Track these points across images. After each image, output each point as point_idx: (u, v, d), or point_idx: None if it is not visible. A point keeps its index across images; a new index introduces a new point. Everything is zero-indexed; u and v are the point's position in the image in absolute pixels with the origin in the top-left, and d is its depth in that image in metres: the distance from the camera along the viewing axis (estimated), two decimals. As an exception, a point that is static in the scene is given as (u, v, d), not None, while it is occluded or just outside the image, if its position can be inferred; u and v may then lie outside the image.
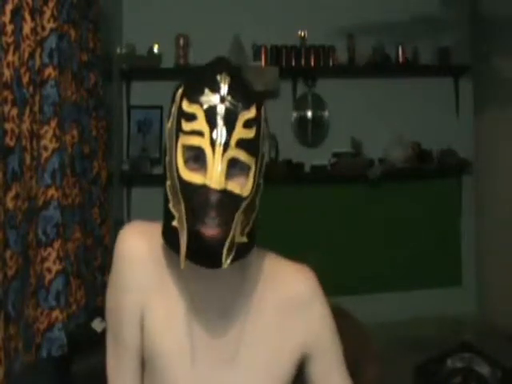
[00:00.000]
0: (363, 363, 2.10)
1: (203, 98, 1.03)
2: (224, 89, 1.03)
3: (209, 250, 1.02)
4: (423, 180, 4.76)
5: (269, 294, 1.16)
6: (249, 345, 1.13)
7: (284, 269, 1.20)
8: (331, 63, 4.57)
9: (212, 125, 1.01)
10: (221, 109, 1.02)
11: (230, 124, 1.02)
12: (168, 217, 1.07)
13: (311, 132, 4.67)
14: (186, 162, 1.04)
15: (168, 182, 1.07)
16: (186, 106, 1.04)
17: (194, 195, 1.01)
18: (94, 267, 2.99)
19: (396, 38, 4.64)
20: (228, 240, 1.01)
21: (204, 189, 1.00)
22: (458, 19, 4.80)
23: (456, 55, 4.76)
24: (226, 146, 1.01)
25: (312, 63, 4.56)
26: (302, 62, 4.55)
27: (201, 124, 1.02)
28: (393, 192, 4.71)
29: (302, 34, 4.57)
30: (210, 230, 1.00)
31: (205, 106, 1.02)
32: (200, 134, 1.02)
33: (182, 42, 4.38)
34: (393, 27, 4.58)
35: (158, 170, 4.34)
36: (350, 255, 4.61)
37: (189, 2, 4.47)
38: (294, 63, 4.55)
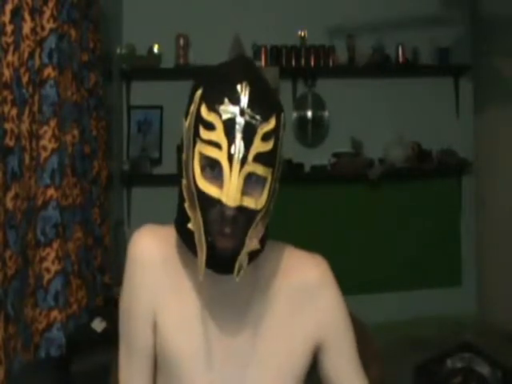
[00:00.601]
0: (363, 363, 2.10)
1: (222, 108, 1.01)
2: (244, 100, 1.01)
3: (222, 261, 1.04)
4: (423, 180, 4.76)
5: (282, 285, 1.17)
6: (263, 342, 1.14)
7: (296, 258, 1.20)
8: (331, 63, 4.57)
9: (230, 138, 1.01)
10: (240, 122, 1.01)
11: (248, 138, 1.01)
12: (183, 216, 1.08)
13: (311, 132, 4.67)
14: (202, 169, 1.04)
15: (184, 182, 1.07)
16: (205, 114, 1.03)
17: (210, 208, 1.02)
18: (94, 267, 2.99)
19: (396, 38, 4.64)
20: (242, 252, 1.03)
21: (220, 203, 1.01)
22: (458, 19, 4.79)
23: (456, 55, 4.75)
24: (244, 161, 1.01)
25: (312, 63, 4.55)
26: (302, 62, 4.55)
27: (219, 136, 1.01)
28: (393, 192, 4.71)
29: (302, 34, 4.56)
30: (225, 242, 1.02)
31: (224, 117, 1.01)
32: (218, 146, 1.01)
33: (182, 41, 4.38)
34: (393, 27, 4.58)
35: (157, 170, 4.35)
36: (350, 255, 4.61)
37: (189, 1, 4.47)
38: (294, 63, 4.55)
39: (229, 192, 1.00)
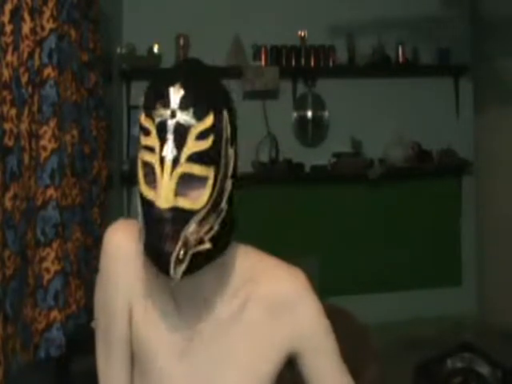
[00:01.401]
0: (363, 363, 2.10)
1: (155, 113, 1.02)
2: (175, 102, 1.01)
3: (161, 261, 1.03)
4: (423, 180, 4.76)
5: (255, 293, 1.16)
6: (233, 342, 1.14)
7: (271, 268, 1.19)
8: (331, 63, 4.57)
9: (162, 141, 1.02)
10: (171, 124, 1.01)
11: (180, 139, 1.01)
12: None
13: (311, 132, 4.67)
14: (145, 175, 1.08)
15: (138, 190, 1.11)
16: (143, 120, 1.05)
17: (148, 210, 1.04)
18: (93, 267, 2.99)
19: (396, 38, 4.64)
20: (175, 252, 1.02)
21: (155, 205, 1.02)
22: (458, 19, 4.80)
23: (456, 55, 4.76)
24: (176, 162, 1.01)
25: (312, 63, 4.56)
26: (302, 61, 4.55)
27: (153, 140, 1.03)
28: (393, 192, 4.71)
29: (302, 34, 4.56)
30: (162, 243, 1.02)
31: (156, 121, 1.02)
32: (152, 150, 1.03)
33: (182, 41, 4.38)
34: (393, 27, 4.58)
35: (157, 170, 4.34)
36: (350, 255, 4.61)
37: (189, 2, 4.47)
38: (294, 63, 4.55)
39: (161, 194, 1.01)
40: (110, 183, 3.39)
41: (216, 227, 1.07)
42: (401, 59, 4.68)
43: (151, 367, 1.15)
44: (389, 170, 4.55)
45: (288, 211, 4.48)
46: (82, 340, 2.58)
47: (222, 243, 1.10)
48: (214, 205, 1.06)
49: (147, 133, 1.04)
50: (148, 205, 1.05)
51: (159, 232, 1.02)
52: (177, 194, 1.02)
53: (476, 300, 4.77)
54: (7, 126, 1.97)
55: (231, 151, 1.08)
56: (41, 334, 2.24)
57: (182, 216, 1.02)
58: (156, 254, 1.03)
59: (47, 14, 2.33)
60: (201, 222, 1.04)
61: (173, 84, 1.03)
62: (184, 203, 1.02)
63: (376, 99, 4.68)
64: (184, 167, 1.01)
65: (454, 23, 4.77)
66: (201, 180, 1.04)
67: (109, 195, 3.34)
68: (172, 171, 1.01)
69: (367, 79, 4.70)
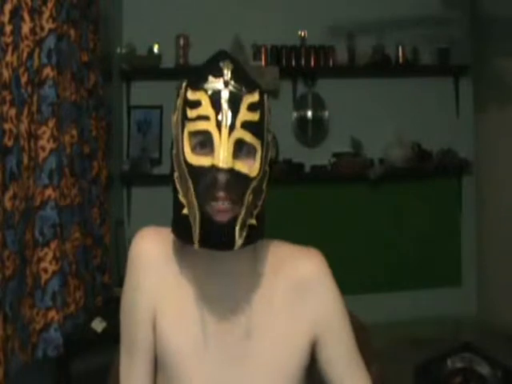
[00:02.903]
0: (364, 363, 2.10)
1: (207, 85, 1.06)
2: (227, 74, 1.06)
3: (221, 230, 1.02)
4: (423, 180, 4.76)
5: (278, 281, 1.17)
6: (261, 340, 1.14)
7: (292, 253, 1.20)
8: (331, 63, 4.57)
9: (217, 108, 1.04)
10: (225, 93, 1.05)
11: (234, 107, 1.04)
12: (178, 208, 1.08)
13: (311, 132, 4.67)
14: (193, 148, 1.06)
15: (176, 174, 1.08)
16: (191, 95, 1.06)
17: (202, 177, 1.02)
18: (93, 267, 2.99)
19: (396, 38, 4.64)
20: (239, 219, 1.03)
21: (212, 170, 1.01)
22: (458, 19, 4.79)
23: (456, 55, 4.75)
24: (232, 127, 1.03)
25: (312, 63, 4.56)
26: (302, 61, 4.55)
27: (206, 109, 1.04)
28: (393, 192, 4.71)
29: (302, 34, 4.56)
30: (221, 210, 1.01)
31: (209, 92, 1.05)
32: (206, 118, 1.04)
33: (182, 41, 4.38)
34: (393, 27, 4.57)
35: (157, 170, 4.35)
36: (350, 255, 4.61)
37: (189, 2, 4.47)
38: (294, 63, 4.55)
39: (220, 155, 1.01)
40: (110, 183, 3.39)
41: (259, 206, 1.08)
42: (401, 59, 4.68)
43: (177, 376, 1.14)
44: (389, 170, 4.55)
45: (288, 211, 4.48)
46: (82, 340, 2.58)
47: (261, 225, 1.10)
48: (260, 180, 1.07)
49: (197, 104, 1.05)
50: (200, 173, 1.03)
51: (219, 196, 1.01)
52: (235, 157, 1.03)
53: (476, 300, 4.77)
54: (6, 126, 1.98)
55: (269, 137, 1.11)
56: (38, 334, 2.24)
57: (240, 179, 1.03)
58: (216, 221, 1.02)
59: (47, 14, 2.33)
60: (254, 193, 1.05)
61: (222, 59, 1.08)
62: (241, 167, 1.03)
63: (376, 99, 4.67)
64: (239, 132, 1.03)
65: (454, 23, 4.76)
66: (251, 151, 1.06)
67: (109, 195, 3.34)
68: (229, 135, 1.02)
69: (367, 79, 4.70)
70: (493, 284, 4.61)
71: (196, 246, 1.04)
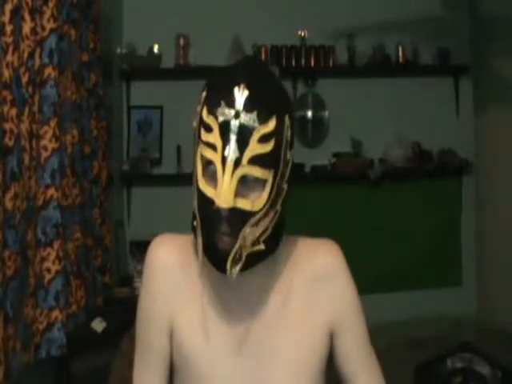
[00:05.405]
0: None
1: (219, 111, 1.03)
2: (240, 103, 1.02)
3: (218, 259, 1.06)
4: (423, 180, 4.75)
5: (295, 276, 1.18)
6: (280, 337, 1.15)
7: (307, 247, 1.24)
8: (331, 63, 4.56)
9: (225, 140, 1.02)
10: (234, 124, 1.01)
11: (243, 140, 1.02)
12: (193, 216, 1.11)
13: (311, 132, 4.67)
14: (203, 170, 1.07)
15: (193, 179, 1.10)
16: (205, 116, 1.05)
17: (207, 207, 1.04)
18: (94, 267, 2.99)
19: (396, 38, 4.63)
20: (232, 252, 1.04)
21: (215, 203, 1.03)
22: (458, 19, 4.79)
23: (456, 55, 4.75)
24: (238, 163, 1.01)
25: (312, 63, 4.55)
26: (302, 61, 4.55)
27: (215, 138, 1.03)
28: (393, 192, 4.71)
29: (302, 34, 4.56)
30: (219, 241, 1.04)
31: (220, 120, 1.02)
32: (214, 147, 1.03)
33: (182, 41, 4.38)
34: (393, 27, 4.57)
35: (158, 170, 4.34)
36: (350, 255, 4.58)
37: (189, 2, 4.47)
38: (294, 63, 4.54)
39: (221, 194, 1.02)
40: (110, 183, 3.39)
41: (270, 229, 1.10)
42: (401, 59, 4.67)
43: (198, 377, 1.15)
44: (389, 170, 4.55)
45: (287, 211, 4.47)
46: (82, 340, 2.58)
47: (273, 243, 1.12)
48: (270, 207, 1.08)
49: (209, 129, 1.04)
50: (207, 201, 1.05)
51: (217, 230, 1.03)
52: (236, 194, 1.02)
53: (476, 300, 4.76)
54: (7, 126, 1.98)
55: (289, 155, 1.10)
56: (42, 334, 2.25)
57: (240, 216, 1.03)
58: (213, 251, 1.05)
59: (47, 14, 2.34)
60: (257, 223, 1.06)
61: (238, 84, 1.03)
62: (243, 204, 1.03)
63: (376, 99, 4.67)
64: (245, 169, 1.02)
65: (454, 23, 4.76)
66: (260, 182, 1.05)
67: (109, 195, 3.34)
68: (233, 172, 1.01)
69: (367, 79, 4.70)
70: (493, 284, 4.61)
71: (199, 269, 1.10)
